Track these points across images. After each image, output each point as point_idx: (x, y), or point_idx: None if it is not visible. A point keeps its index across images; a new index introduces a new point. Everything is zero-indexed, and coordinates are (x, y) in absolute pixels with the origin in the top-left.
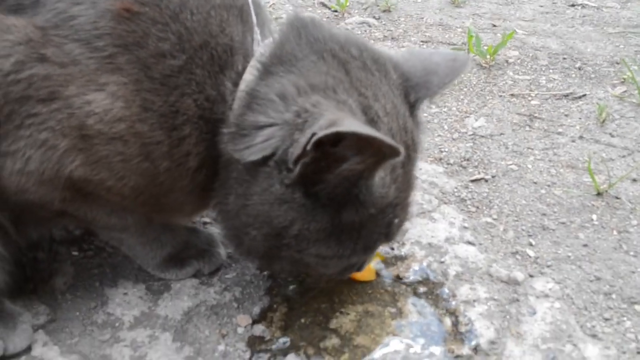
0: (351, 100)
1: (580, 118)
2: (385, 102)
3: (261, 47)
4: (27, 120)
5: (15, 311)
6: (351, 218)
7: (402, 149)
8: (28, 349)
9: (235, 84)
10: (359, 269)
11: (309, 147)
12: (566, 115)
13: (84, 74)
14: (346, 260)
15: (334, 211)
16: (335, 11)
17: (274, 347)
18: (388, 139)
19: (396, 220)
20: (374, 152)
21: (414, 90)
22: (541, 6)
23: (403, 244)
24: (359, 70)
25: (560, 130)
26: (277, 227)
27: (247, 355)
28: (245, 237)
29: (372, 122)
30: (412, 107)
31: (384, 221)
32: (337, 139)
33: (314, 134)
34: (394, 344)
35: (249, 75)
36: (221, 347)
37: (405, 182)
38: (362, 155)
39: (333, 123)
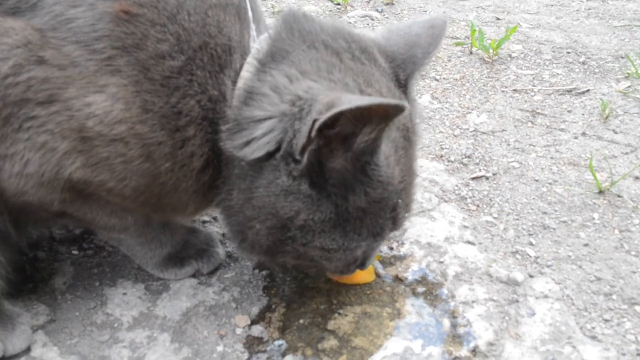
0: (349, 79)
1: (583, 114)
2: (379, 86)
3: (257, 43)
4: (26, 123)
5: (15, 312)
6: (358, 203)
7: (405, 103)
8: (27, 350)
9: (235, 82)
10: (363, 264)
11: (313, 134)
12: (569, 111)
13: (83, 76)
14: (350, 253)
15: (340, 199)
16: (338, 4)
17: (270, 348)
18: (388, 99)
19: (401, 205)
20: (380, 117)
21: (401, 68)
22: None
23: (402, 243)
24: (350, 60)
25: (562, 126)
26: (282, 219)
27: (245, 356)
28: (250, 232)
29: None
30: (405, 87)
31: (389, 205)
32: (335, 119)
33: (315, 120)
34: (393, 346)
35: (246, 72)
36: (219, 348)
37: (408, 164)
38: (370, 125)
39: (331, 104)
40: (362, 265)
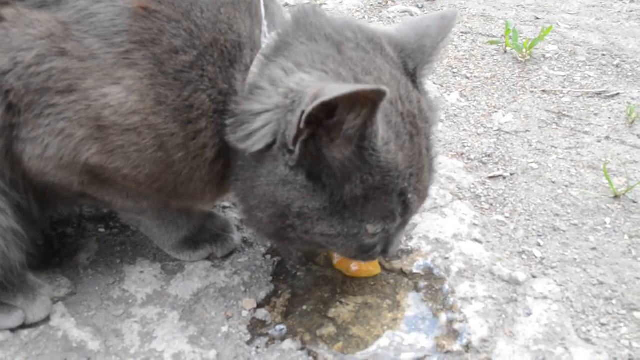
0: (342, 69)
1: (609, 118)
2: (382, 74)
3: (267, 39)
4: (46, 110)
5: (37, 283)
6: (355, 191)
7: (386, 89)
8: (47, 320)
9: (245, 76)
10: (385, 251)
11: (302, 125)
12: (595, 114)
13: (101, 68)
14: (354, 238)
15: (336, 188)
16: None
17: (272, 332)
18: (368, 86)
19: (412, 190)
20: (363, 103)
21: (410, 58)
22: None
23: (410, 237)
24: (352, 50)
25: (587, 129)
26: (281, 207)
27: (248, 337)
28: (254, 219)
29: None
30: (414, 75)
31: (395, 190)
32: (331, 108)
33: (302, 112)
34: (388, 337)
35: (254, 67)
36: (224, 329)
37: (416, 152)
38: (355, 111)
39: (316, 96)
40: (384, 253)
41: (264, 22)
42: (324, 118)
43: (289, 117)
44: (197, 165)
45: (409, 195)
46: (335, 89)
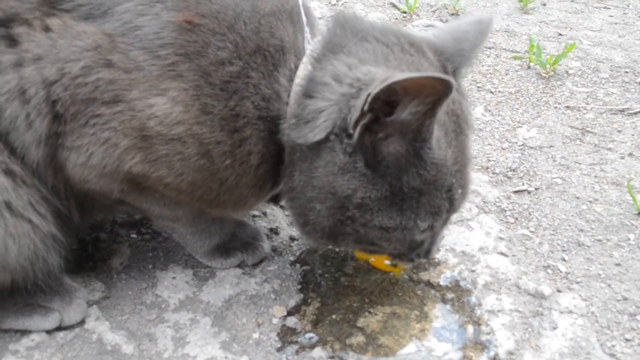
0: (403, 66)
1: (632, 135)
2: None
3: (311, 44)
4: (92, 120)
5: (73, 287)
6: (412, 183)
7: (453, 81)
8: (82, 322)
9: (290, 80)
10: (428, 252)
11: (366, 107)
12: (619, 131)
13: (147, 79)
14: (408, 233)
15: (395, 178)
16: (404, 12)
17: (301, 339)
18: (439, 74)
19: (457, 186)
20: (429, 91)
21: (449, 61)
22: (611, 16)
23: (438, 250)
24: (401, 52)
25: (610, 146)
26: (340, 198)
27: (278, 345)
28: (311, 213)
29: None
30: (453, 78)
31: (444, 186)
32: (393, 100)
33: (369, 94)
34: (415, 347)
35: (303, 70)
36: (255, 335)
37: (460, 150)
38: (419, 98)
39: (385, 79)
40: (427, 253)
41: (306, 29)
42: (384, 112)
43: (352, 102)
44: (243, 172)
45: (454, 192)
46: (404, 74)
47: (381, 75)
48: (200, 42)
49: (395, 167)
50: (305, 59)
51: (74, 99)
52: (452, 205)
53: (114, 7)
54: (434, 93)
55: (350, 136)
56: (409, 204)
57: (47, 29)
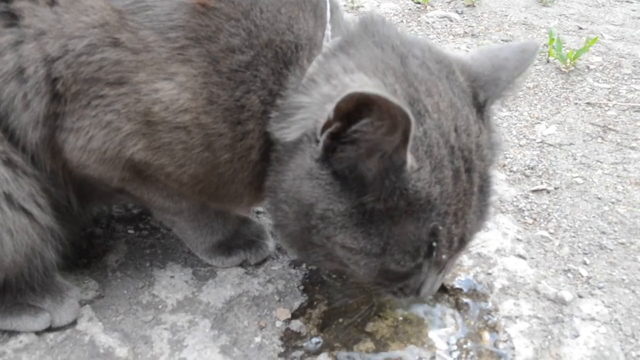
0: (398, 87)
1: None
2: (440, 99)
3: (329, 43)
4: (94, 101)
5: (65, 285)
6: (377, 206)
7: (411, 116)
8: (74, 323)
9: (300, 78)
10: (417, 292)
11: (331, 116)
12: None
13: (155, 62)
14: (376, 260)
15: (362, 195)
16: (418, 3)
17: (307, 344)
18: (393, 98)
19: (444, 232)
20: (388, 114)
21: (482, 89)
22: (633, 10)
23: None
24: (418, 67)
25: (634, 144)
26: (304, 205)
27: (282, 350)
28: (280, 214)
29: (418, 114)
30: (482, 108)
31: (424, 226)
32: (359, 108)
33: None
34: (428, 355)
35: (312, 68)
36: (257, 339)
37: (462, 191)
38: (381, 119)
39: (347, 88)
40: (416, 292)
41: (328, 26)
42: (351, 123)
43: (327, 105)
44: (240, 167)
45: (440, 239)
46: (367, 88)
47: (359, 83)
48: (212, 27)
49: (360, 185)
50: (319, 57)
51: (77, 78)
52: (430, 254)
53: None
54: (391, 118)
55: (318, 142)
56: (377, 230)
57: (52, 2)
